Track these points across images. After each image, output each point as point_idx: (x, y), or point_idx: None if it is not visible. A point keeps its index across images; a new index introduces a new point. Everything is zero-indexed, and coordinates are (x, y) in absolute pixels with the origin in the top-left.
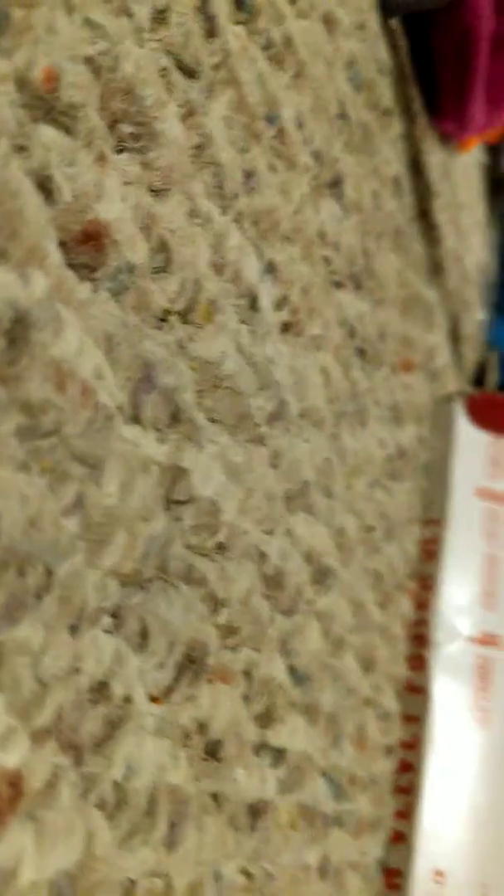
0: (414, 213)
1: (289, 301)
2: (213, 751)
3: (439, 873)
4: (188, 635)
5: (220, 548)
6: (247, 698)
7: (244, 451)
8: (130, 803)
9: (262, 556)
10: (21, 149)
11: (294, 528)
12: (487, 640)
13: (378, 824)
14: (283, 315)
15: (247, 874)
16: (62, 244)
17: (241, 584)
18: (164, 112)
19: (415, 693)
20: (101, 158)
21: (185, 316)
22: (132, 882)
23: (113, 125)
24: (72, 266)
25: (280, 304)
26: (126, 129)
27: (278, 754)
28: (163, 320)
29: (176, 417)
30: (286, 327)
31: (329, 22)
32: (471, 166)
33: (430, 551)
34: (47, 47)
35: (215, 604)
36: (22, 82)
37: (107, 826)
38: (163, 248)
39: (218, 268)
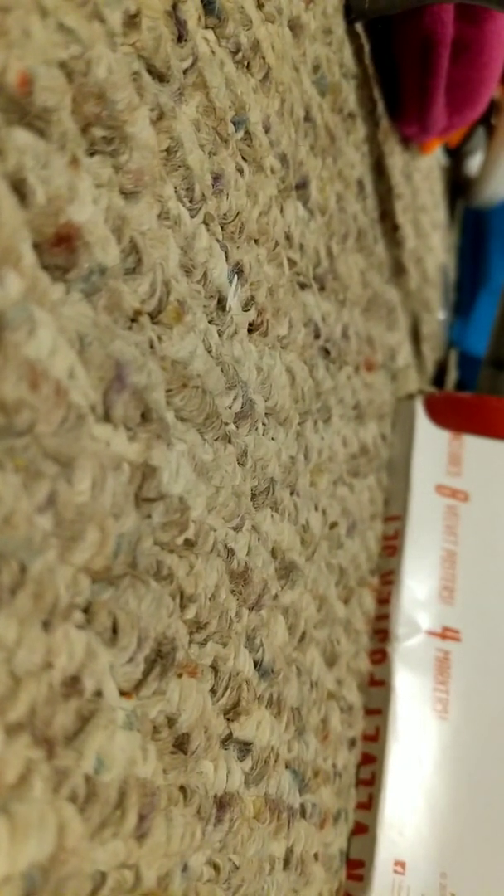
0: (376, 215)
1: (255, 302)
2: (181, 744)
3: (400, 864)
4: (157, 630)
5: (189, 544)
6: (214, 692)
7: (212, 449)
8: (101, 796)
9: (230, 553)
10: None
11: (260, 525)
12: (446, 634)
13: (341, 816)
14: (250, 315)
15: (213, 866)
16: (36, 246)
17: (208, 579)
18: (135, 116)
19: (377, 686)
20: (73, 161)
21: (155, 316)
22: (103, 874)
23: (85, 129)
24: (45, 267)
25: (247, 304)
26: (98, 132)
27: (244, 747)
28: (133, 321)
29: (146, 416)
30: (253, 327)
31: (296, 26)
32: (432, 169)
33: (392, 547)
34: (21, 52)
35: (184, 599)
36: None
37: (78, 819)
38: (134, 249)
39: (187, 269)
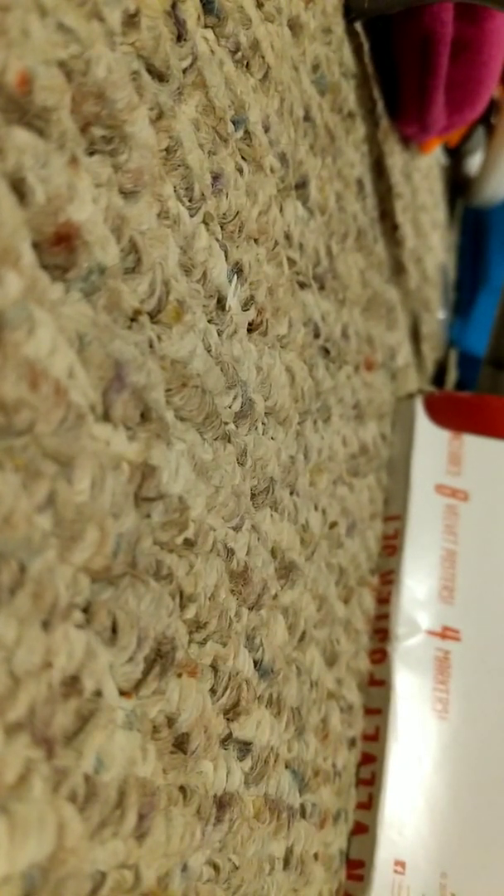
0: (376, 215)
1: (255, 301)
2: (180, 744)
3: (400, 863)
4: (157, 630)
5: (188, 544)
6: (214, 692)
7: (212, 448)
8: (100, 796)
9: (229, 552)
10: None
11: (260, 525)
12: (446, 633)
13: (341, 816)
14: (250, 315)
15: (213, 866)
16: (35, 245)
17: (208, 579)
18: (135, 115)
19: (376, 686)
20: (73, 161)
21: (154, 316)
22: (102, 874)
23: (85, 128)
24: (44, 267)
25: (246, 304)
26: (97, 131)
27: (244, 747)
28: (133, 320)
29: (146, 416)
30: (252, 327)
31: (295, 26)
32: (431, 168)
33: (391, 546)
34: (21, 51)
35: (183, 599)
36: None
37: (78, 818)
38: (133, 249)
39: (187, 269)
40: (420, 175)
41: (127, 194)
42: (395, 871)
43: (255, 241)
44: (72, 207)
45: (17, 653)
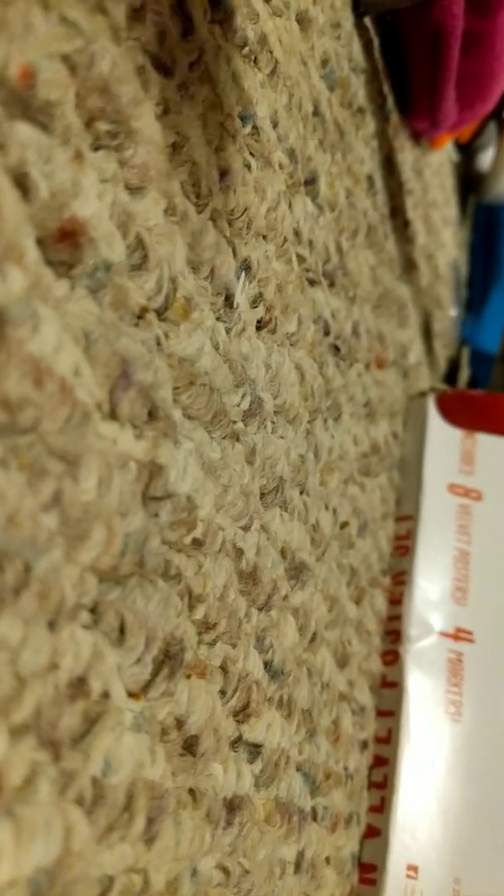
0: (386, 211)
1: (264, 298)
2: (190, 746)
3: (413, 868)
4: (166, 631)
5: (197, 544)
6: (223, 693)
7: (220, 447)
8: (108, 799)
9: (238, 552)
10: None
11: (269, 524)
12: (459, 635)
13: (353, 819)
14: (259, 312)
15: (223, 869)
16: (39, 241)
17: (217, 579)
18: (141, 110)
19: (389, 688)
20: (77, 156)
21: (161, 313)
22: (110, 879)
23: (89, 123)
24: (49, 263)
25: (255, 301)
26: (102, 126)
27: (254, 749)
28: (140, 317)
29: (153, 414)
30: (261, 324)
31: (303, 20)
32: (443, 164)
33: (404, 547)
34: (23, 45)
35: (192, 599)
36: None
37: (85, 822)
38: (140, 245)
39: (194, 266)
40: (431, 171)
41: (133, 190)
42: (408, 876)
43: (264, 237)
44: (76, 203)
45: (23, 654)
